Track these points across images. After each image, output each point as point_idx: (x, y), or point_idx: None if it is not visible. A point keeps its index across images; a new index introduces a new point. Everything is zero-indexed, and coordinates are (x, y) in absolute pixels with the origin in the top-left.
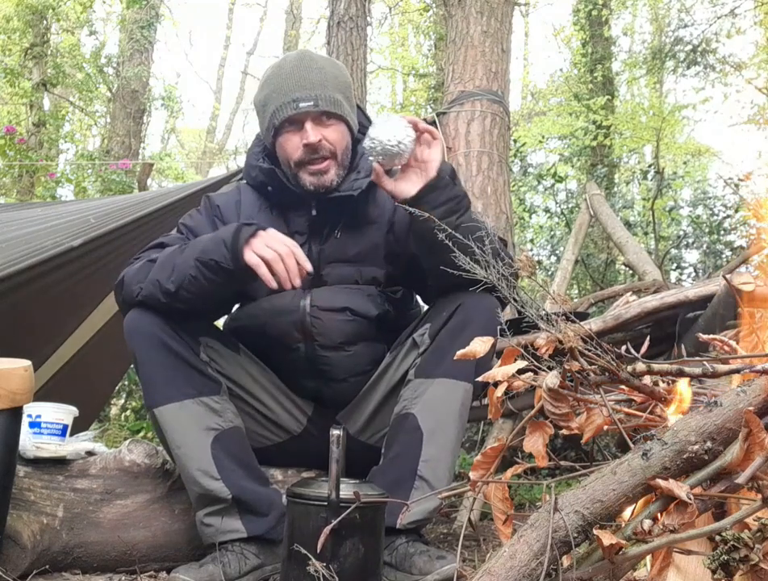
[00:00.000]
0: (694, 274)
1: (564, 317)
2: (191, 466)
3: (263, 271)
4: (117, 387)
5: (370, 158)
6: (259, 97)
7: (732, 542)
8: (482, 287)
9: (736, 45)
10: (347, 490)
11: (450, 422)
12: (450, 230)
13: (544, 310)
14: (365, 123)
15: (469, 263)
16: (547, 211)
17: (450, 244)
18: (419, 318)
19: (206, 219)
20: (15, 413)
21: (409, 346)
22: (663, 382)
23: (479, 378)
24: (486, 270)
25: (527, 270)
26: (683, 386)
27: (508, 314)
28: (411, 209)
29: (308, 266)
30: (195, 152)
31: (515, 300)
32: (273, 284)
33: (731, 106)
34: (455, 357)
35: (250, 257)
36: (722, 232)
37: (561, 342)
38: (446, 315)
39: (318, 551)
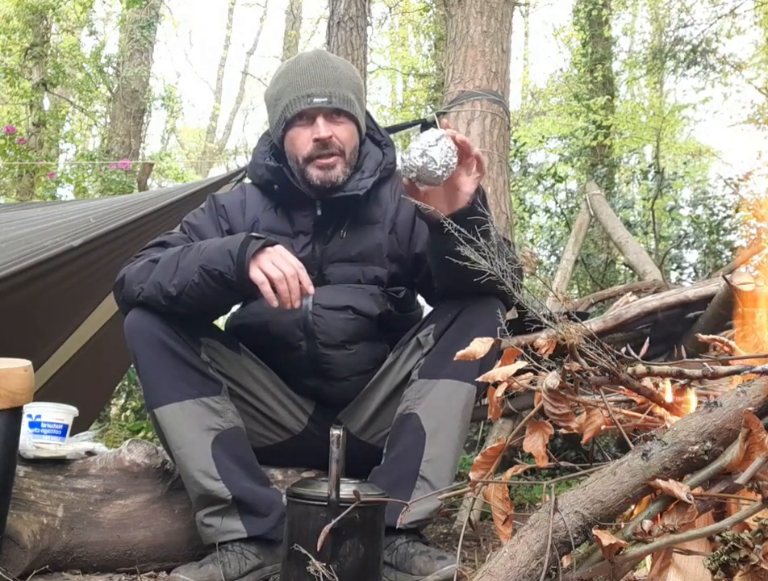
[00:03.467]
0: (694, 274)
1: (566, 315)
2: (191, 466)
3: (266, 289)
4: (117, 387)
5: (403, 173)
6: (271, 91)
7: (732, 543)
8: (490, 287)
9: (736, 45)
10: (347, 490)
11: (453, 423)
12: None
13: (546, 308)
14: (371, 125)
15: (478, 265)
16: (547, 211)
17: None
18: (424, 318)
19: (211, 219)
20: (15, 413)
21: (413, 346)
22: (663, 383)
23: (479, 379)
24: (498, 277)
25: (530, 267)
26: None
27: (508, 314)
28: (421, 205)
29: (311, 289)
30: (195, 152)
31: (518, 298)
32: (275, 303)
33: (731, 106)
34: (455, 358)
35: (255, 273)
36: (722, 232)
37: (563, 339)
38: (451, 317)
39: (318, 551)
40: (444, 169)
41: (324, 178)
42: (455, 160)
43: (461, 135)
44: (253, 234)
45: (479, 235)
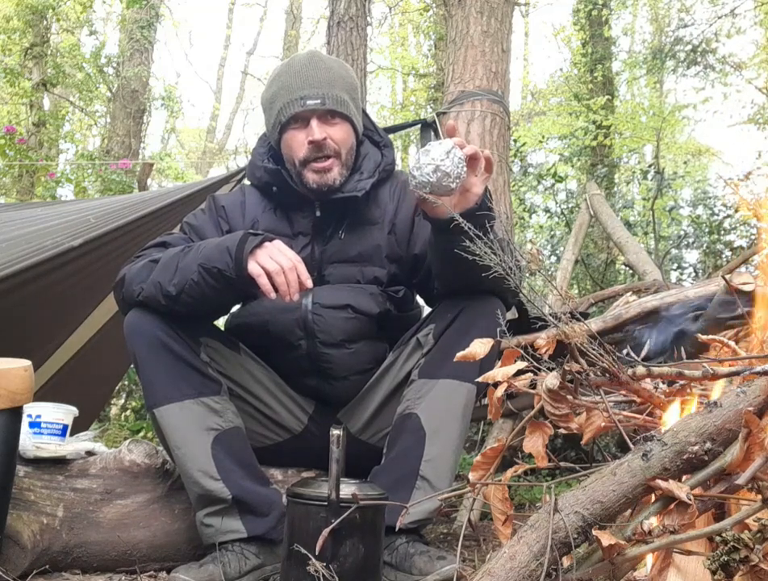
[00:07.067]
0: (694, 274)
1: (569, 314)
2: (191, 466)
3: (263, 281)
4: (117, 387)
5: (415, 188)
6: (266, 94)
7: (732, 543)
8: (492, 285)
9: (736, 45)
10: (347, 490)
11: (453, 422)
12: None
13: (550, 307)
14: (369, 126)
15: (485, 261)
16: (547, 211)
17: (466, 249)
18: (424, 318)
19: (211, 220)
20: (15, 413)
21: (413, 346)
22: (663, 383)
23: (479, 379)
24: (505, 274)
25: (536, 264)
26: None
27: (508, 314)
28: (430, 200)
29: (309, 283)
30: (195, 152)
31: (523, 296)
32: (273, 295)
33: (731, 106)
34: (455, 359)
35: (253, 267)
36: (722, 232)
37: (567, 336)
38: (451, 317)
39: (318, 551)
40: (458, 181)
41: (321, 182)
42: (465, 168)
43: (471, 147)
44: (251, 231)
45: (487, 232)
